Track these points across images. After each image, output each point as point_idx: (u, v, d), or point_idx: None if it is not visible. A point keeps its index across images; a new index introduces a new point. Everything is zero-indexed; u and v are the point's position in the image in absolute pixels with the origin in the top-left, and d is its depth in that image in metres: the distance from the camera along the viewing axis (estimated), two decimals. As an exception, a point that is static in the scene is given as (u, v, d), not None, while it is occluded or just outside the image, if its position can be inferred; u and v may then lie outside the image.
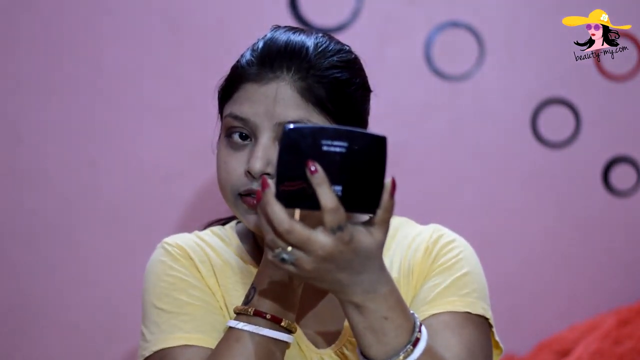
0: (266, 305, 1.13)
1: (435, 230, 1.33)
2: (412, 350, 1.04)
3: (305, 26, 2.08)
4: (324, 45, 1.21)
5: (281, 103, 1.16)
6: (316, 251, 0.98)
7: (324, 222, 0.97)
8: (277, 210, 0.98)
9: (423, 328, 1.07)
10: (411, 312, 1.08)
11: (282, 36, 1.22)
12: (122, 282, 2.04)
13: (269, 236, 1.00)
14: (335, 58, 1.21)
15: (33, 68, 2.02)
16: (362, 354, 1.07)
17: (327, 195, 0.96)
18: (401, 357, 1.04)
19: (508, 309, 2.24)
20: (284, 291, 1.14)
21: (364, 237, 1.00)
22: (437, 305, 1.22)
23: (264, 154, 1.16)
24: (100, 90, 2.05)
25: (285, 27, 1.26)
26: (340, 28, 2.12)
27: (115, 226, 2.06)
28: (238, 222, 1.38)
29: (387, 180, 1.01)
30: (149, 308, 1.24)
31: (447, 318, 1.19)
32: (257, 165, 1.16)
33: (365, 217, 1.03)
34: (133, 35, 2.05)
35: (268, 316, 1.12)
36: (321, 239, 0.98)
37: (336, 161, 0.98)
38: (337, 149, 0.98)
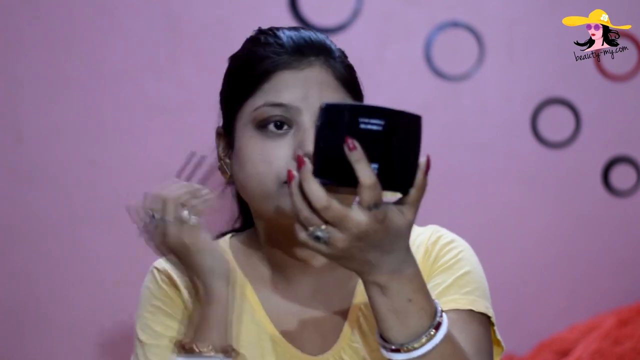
0: (188, 335, 1.18)
1: (434, 232, 1.33)
2: (434, 334, 1.03)
3: (305, 26, 2.08)
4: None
5: (321, 87, 1.18)
6: (351, 229, 0.97)
7: (360, 199, 0.96)
8: (315, 187, 0.96)
9: (444, 314, 1.06)
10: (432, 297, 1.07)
11: (291, 32, 1.24)
12: (122, 282, 2.04)
13: (304, 214, 0.98)
14: (340, 48, 1.26)
15: (33, 68, 2.02)
16: (382, 337, 1.05)
17: (365, 172, 0.95)
18: (423, 341, 1.02)
19: (508, 308, 2.24)
20: (204, 316, 1.18)
21: (396, 216, 0.99)
22: (440, 303, 1.22)
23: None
24: (101, 90, 2.04)
25: (272, 27, 1.27)
26: (340, 28, 2.13)
27: (115, 226, 2.06)
28: (232, 237, 1.36)
29: (422, 160, 1.00)
30: (135, 338, 1.27)
31: (452, 316, 1.19)
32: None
33: (391, 197, 1.02)
34: (133, 35, 2.05)
35: (189, 346, 1.18)
36: (357, 216, 0.96)
37: (373, 139, 0.96)
38: (375, 127, 0.96)
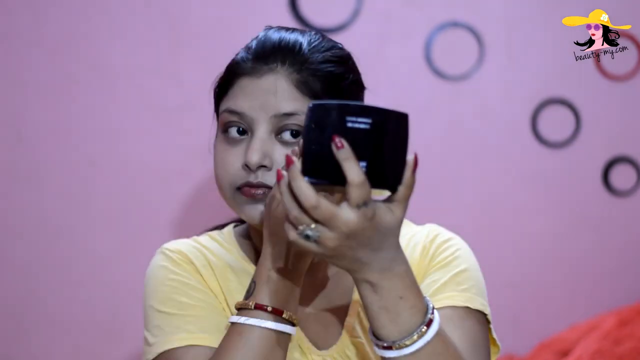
0: (267, 298, 1.13)
1: (431, 230, 1.33)
2: (425, 331, 1.04)
3: (305, 26, 2.08)
4: (317, 42, 1.24)
5: (277, 95, 1.18)
6: (340, 227, 0.97)
7: (349, 197, 0.97)
8: (304, 186, 0.97)
9: (435, 311, 1.07)
10: (424, 295, 1.08)
11: (275, 34, 1.24)
12: (122, 282, 2.04)
13: (293, 213, 0.99)
14: (328, 53, 1.23)
15: (33, 68, 2.02)
16: (375, 335, 1.06)
17: (353, 170, 0.96)
18: (415, 338, 1.03)
19: (508, 308, 2.24)
20: (284, 283, 1.14)
21: (385, 214, 1.00)
22: (437, 300, 1.22)
23: (261, 146, 1.18)
24: (100, 90, 2.05)
25: (278, 27, 1.27)
26: (340, 28, 2.12)
27: (115, 226, 2.06)
28: (235, 226, 1.37)
29: (410, 157, 1.00)
30: (151, 312, 1.24)
31: (448, 312, 1.19)
32: (255, 158, 1.17)
33: (379, 195, 1.02)
34: (133, 35, 2.05)
35: (269, 308, 1.12)
36: (346, 214, 0.97)
37: (361, 138, 0.97)
38: (362, 125, 0.97)
